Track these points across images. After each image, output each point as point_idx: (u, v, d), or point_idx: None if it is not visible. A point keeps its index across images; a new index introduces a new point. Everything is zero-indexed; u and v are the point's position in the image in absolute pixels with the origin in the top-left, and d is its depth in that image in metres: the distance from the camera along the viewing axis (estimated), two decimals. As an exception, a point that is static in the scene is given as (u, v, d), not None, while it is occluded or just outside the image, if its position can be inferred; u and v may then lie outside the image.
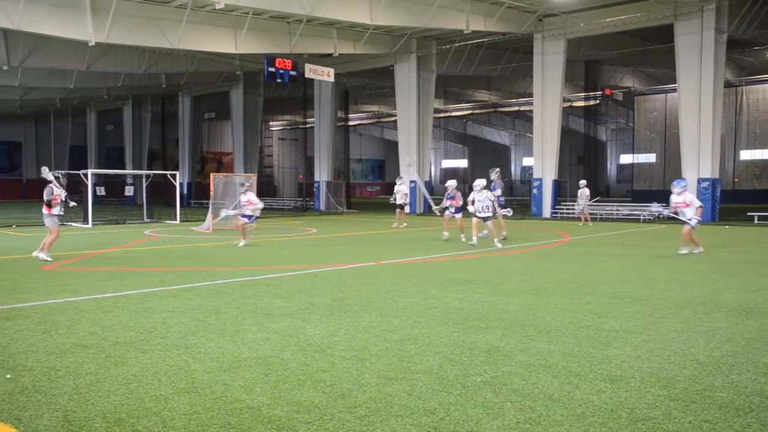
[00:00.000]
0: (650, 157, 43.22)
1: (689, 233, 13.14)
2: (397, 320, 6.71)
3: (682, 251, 13.23)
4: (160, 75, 36.86)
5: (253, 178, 24.17)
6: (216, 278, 9.83)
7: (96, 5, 21.72)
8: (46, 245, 11.96)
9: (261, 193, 37.15)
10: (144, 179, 27.91)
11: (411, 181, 32.43)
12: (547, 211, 28.92)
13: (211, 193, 21.26)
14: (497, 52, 34.01)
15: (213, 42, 25.27)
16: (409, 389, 4.45)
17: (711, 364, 5.10)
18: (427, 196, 22.01)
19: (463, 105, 53.41)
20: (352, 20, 24.55)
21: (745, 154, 41.91)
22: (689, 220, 13.05)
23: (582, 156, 44.11)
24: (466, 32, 26.36)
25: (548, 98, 28.69)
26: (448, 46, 31.75)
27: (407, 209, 24.68)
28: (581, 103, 40.51)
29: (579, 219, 24.48)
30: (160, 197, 30.39)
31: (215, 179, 22.07)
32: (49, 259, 11.74)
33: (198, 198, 43.55)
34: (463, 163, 72.40)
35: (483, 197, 14.93)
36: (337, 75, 30.14)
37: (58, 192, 11.88)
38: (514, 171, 69.14)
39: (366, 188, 72.80)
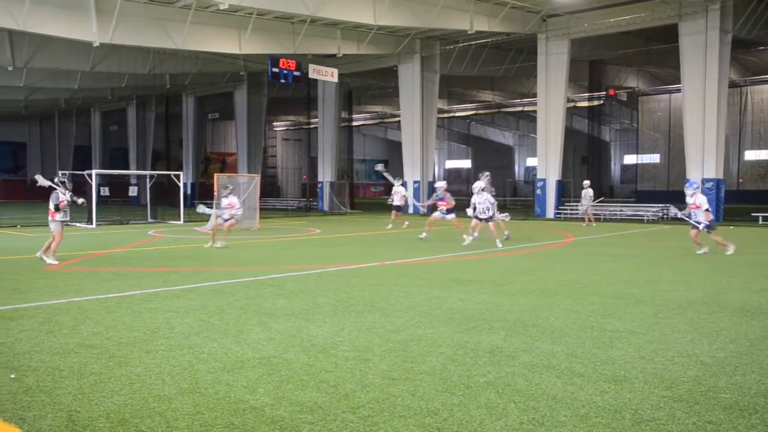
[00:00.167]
0: (654, 158, 43.13)
1: (696, 236, 13.37)
2: (400, 321, 6.71)
3: (699, 251, 13.43)
4: (164, 75, 36.94)
5: (257, 178, 24.24)
6: (219, 278, 9.84)
7: (100, 6, 21.77)
8: (51, 249, 11.86)
9: (265, 194, 37.52)
10: (148, 180, 27.99)
11: (415, 182, 32.48)
12: (550, 211, 28.89)
13: (215, 194, 21.29)
14: (501, 52, 33.99)
15: (217, 42, 25.32)
16: (413, 390, 4.45)
17: (715, 365, 5.09)
18: (410, 197, 22.17)
19: (467, 105, 53.40)
20: (355, 21, 24.56)
21: (750, 155, 41.79)
22: (697, 223, 13.31)
23: (586, 156, 44.06)
24: (469, 32, 26.34)
25: (552, 98, 28.65)
26: (451, 47, 31.74)
27: (410, 210, 24.71)
28: (585, 104, 40.46)
29: (582, 219, 24.45)
30: (164, 197, 30.48)
31: (219, 180, 22.10)
32: (55, 261, 11.63)
33: (202, 198, 43.46)
34: (466, 164, 72.35)
35: (483, 199, 15.03)
36: (340, 75, 30.14)
37: (63, 197, 11.83)
38: (518, 171, 69.11)
39: (369, 189, 72.82)
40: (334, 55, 28.91)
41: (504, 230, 16.54)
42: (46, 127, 58.39)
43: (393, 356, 5.31)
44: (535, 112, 32.73)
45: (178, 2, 23.17)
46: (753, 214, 24.73)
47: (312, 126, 41.05)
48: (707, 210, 13.38)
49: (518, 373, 4.83)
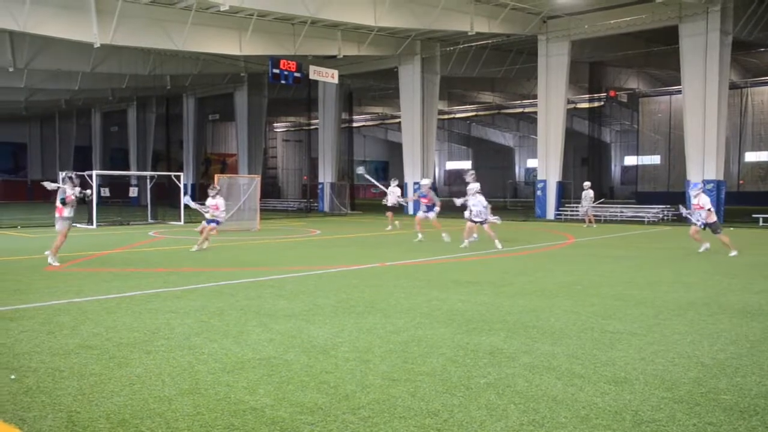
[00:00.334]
0: (655, 159, 43.17)
1: (696, 233, 13.62)
2: (400, 322, 6.71)
3: (700, 249, 13.69)
4: (165, 76, 37.02)
5: (257, 179, 24.26)
6: (220, 279, 9.85)
7: (101, 7, 21.81)
8: (53, 248, 11.72)
9: (265, 195, 37.53)
10: (148, 180, 28.03)
11: (415, 183, 32.47)
12: (551, 212, 28.93)
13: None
14: (501, 53, 34.03)
15: (218, 44, 25.36)
16: (413, 391, 4.45)
17: (715, 366, 5.09)
18: (377, 184, 22.38)
19: (467, 106, 53.47)
20: (356, 22, 24.59)
21: (750, 156, 41.84)
22: (696, 221, 13.53)
23: (586, 158, 44.12)
24: (470, 34, 26.38)
25: (552, 100, 28.69)
26: (452, 48, 31.78)
27: (410, 210, 24.71)
28: (585, 105, 40.54)
29: (583, 221, 24.47)
30: (165, 198, 30.49)
31: (219, 180, 22.11)
32: (56, 263, 11.49)
33: (202, 199, 43.59)
34: (467, 165, 72.38)
35: (476, 201, 15.03)
36: (341, 76, 30.19)
37: (70, 192, 11.64)
38: (518, 172, 69.18)
39: (370, 190, 72.78)
40: (334, 57, 28.95)
41: (474, 233, 16.67)
42: (46, 128, 58.51)
43: (393, 357, 5.32)
44: (535, 113, 32.78)
45: (178, 3, 23.21)
46: (753, 216, 24.76)
47: (312, 127, 41.09)
48: (709, 210, 13.49)
49: (518, 375, 4.83)
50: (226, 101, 43.93)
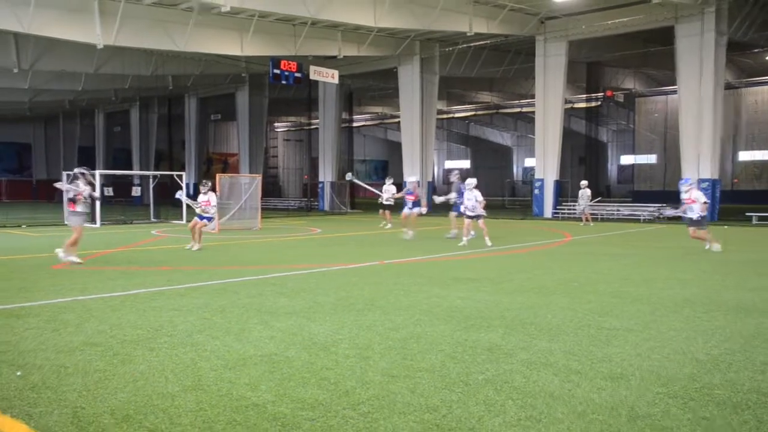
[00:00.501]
0: (651, 158, 43.28)
1: (695, 234, 13.62)
2: (400, 319, 6.75)
3: (713, 248, 13.56)
4: (167, 77, 37.06)
5: (259, 178, 24.31)
6: (222, 277, 9.90)
7: (104, 9, 21.89)
8: (68, 245, 11.40)
9: (266, 194, 37.56)
10: (151, 180, 28.08)
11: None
12: (548, 211, 28.99)
13: (218, 194, 21.35)
14: (500, 54, 34.06)
15: (219, 44, 25.42)
16: (412, 387, 4.49)
17: (710, 362, 5.14)
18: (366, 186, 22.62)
19: (466, 106, 53.48)
20: (356, 23, 24.62)
21: (745, 155, 42.01)
22: (691, 214, 13.54)
23: (583, 157, 44.21)
24: (468, 34, 26.42)
25: (550, 100, 28.74)
26: (451, 48, 31.81)
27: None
28: (583, 105, 40.58)
29: (580, 219, 24.55)
30: (167, 197, 30.50)
31: (221, 180, 22.20)
32: (71, 259, 11.29)
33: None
34: (465, 164, 72.41)
35: (472, 196, 15.15)
36: (341, 77, 30.23)
37: (82, 189, 11.41)
38: (516, 171, 69.19)
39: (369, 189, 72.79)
40: (334, 57, 29.00)
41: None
42: (50, 129, 58.64)
43: (393, 354, 5.35)
44: (533, 113, 32.80)
45: (180, 5, 23.26)
46: (747, 214, 24.88)
47: (313, 127, 41.13)
48: (705, 202, 13.56)
49: (516, 371, 4.87)
50: (228, 101, 43.94)
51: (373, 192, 22.07)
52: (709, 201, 13.85)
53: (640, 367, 4.96)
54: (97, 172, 23.68)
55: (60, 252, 11.45)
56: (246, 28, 25.12)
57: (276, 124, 60.06)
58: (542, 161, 29.30)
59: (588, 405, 4.13)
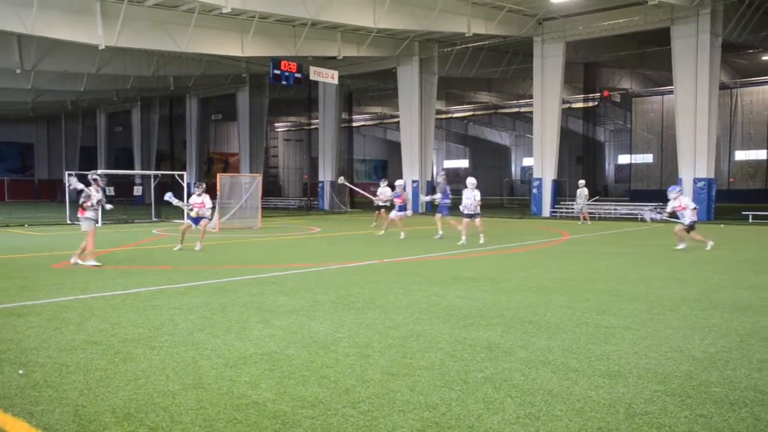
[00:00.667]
0: (647, 158, 43.42)
1: (680, 231, 13.95)
2: (399, 317, 6.77)
3: (678, 246, 13.92)
4: (168, 77, 37.12)
5: (259, 178, 24.34)
6: (222, 276, 9.93)
7: (106, 10, 21.95)
8: (88, 250, 11.22)
9: (266, 193, 37.58)
10: (152, 179, 28.11)
11: (414, 181, 32.54)
12: (546, 210, 29.06)
13: (218, 193, 21.41)
14: (498, 54, 34.11)
15: (220, 45, 25.46)
16: (412, 385, 4.51)
17: (706, 360, 5.17)
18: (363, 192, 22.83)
19: (465, 106, 53.55)
20: (355, 23, 24.65)
21: (740, 155, 42.16)
22: (683, 220, 13.87)
23: (581, 156, 44.28)
24: (467, 35, 26.47)
25: (548, 100, 28.82)
26: (449, 49, 31.86)
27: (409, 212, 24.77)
28: (580, 105, 40.61)
29: (578, 218, 24.60)
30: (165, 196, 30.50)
31: (222, 179, 22.23)
32: (97, 263, 11.06)
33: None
34: (464, 164, 72.48)
35: (471, 195, 15.32)
36: (341, 77, 30.27)
37: (94, 194, 11.24)
38: (515, 171, 69.25)
39: (369, 188, 72.74)
40: (334, 58, 29.05)
41: (440, 230, 16.98)
42: (52, 129, 58.83)
43: (392, 352, 5.37)
44: (531, 113, 32.90)
45: (181, 6, 23.32)
46: (743, 213, 24.99)
47: (313, 127, 41.16)
48: (694, 208, 13.98)
49: (515, 369, 4.89)
50: (229, 101, 44.00)
51: (364, 194, 22.32)
52: (697, 207, 14.15)
53: (638, 365, 4.99)
54: (99, 172, 23.72)
55: (81, 260, 11.28)
56: (246, 29, 25.16)
57: (276, 124, 60.08)
58: (540, 161, 29.36)
59: (586, 402, 4.16)
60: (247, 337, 5.91)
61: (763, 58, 35.50)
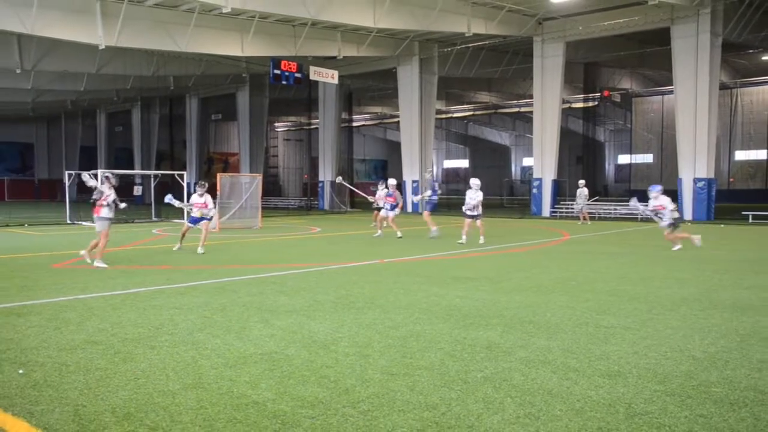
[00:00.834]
0: (647, 158, 43.45)
1: (669, 236, 14.06)
2: (399, 317, 6.78)
3: (675, 248, 13.91)
4: (168, 77, 37.15)
5: (259, 178, 24.35)
6: (222, 276, 9.93)
7: (106, 10, 21.97)
8: (98, 250, 11.11)
9: (266, 193, 37.59)
10: (152, 179, 28.12)
11: (414, 181, 32.54)
12: (546, 210, 29.08)
13: (218, 193, 21.41)
14: (498, 54, 34.13)
15: (220, 45, 25.49)
16: (412, 385, 4.51)
17: (706, 359, 5.17)
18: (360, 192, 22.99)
19: (465, 106, 53.55)
20: (355, 23, 24.66)
21: (740, 155, 42.20)
22: (663, 220, 14.05)
23: (581, 156, 44.31)
24: (467, 35, 26.48)
25: (548, 100, 28.84)
26: (449, 49, 31.87)
27: (409, 208, 24.83)
28: (580, 105, 40.64)
29: (578, 218, 24.62)
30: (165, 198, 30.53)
31: (222, 179, 22.23)
32: (104, 264, 10.98)
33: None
34: (464, 164, 72.50)
35: (474, 196, 15.43)
36: (341, 77, 30.29)
37: (107, 193, 11.15)
38: (515, 171, 69.29)
39: (369, 188, 72.71)
40: (334, 57, 29.07)
41: (433, 225, 17.18)
42: (52, 129, 58.92)
43: (392, 352, 5.38)
44: (531, 113, 32.92)
45: (182, 6, 23.33)
46: (743, 213, 25.02)
47: (313, 127, 41.18)
48: (673, 210, 14.04)
49: (515, 369, 4.89)
50: (229, 101, 44.02)
51: (361, 194, 22.43)
52: (677, 206, 14.31)
53: (638, 365, 4.99)
54: (99, 172, 23.73)
55: (89, 259, 11.22)
56: (246, 29, 25.17)
57: (276, 124, 60.10)
58: (540, 161, 29.38)
59: (586, 402, 4.16)
60: (247, 336, 5.92)
61: (763, 58, 35.53)
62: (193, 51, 25.63)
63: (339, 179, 23.71)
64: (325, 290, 8.52)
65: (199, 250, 13.44)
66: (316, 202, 38.48)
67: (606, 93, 37.22)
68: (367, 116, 58.93)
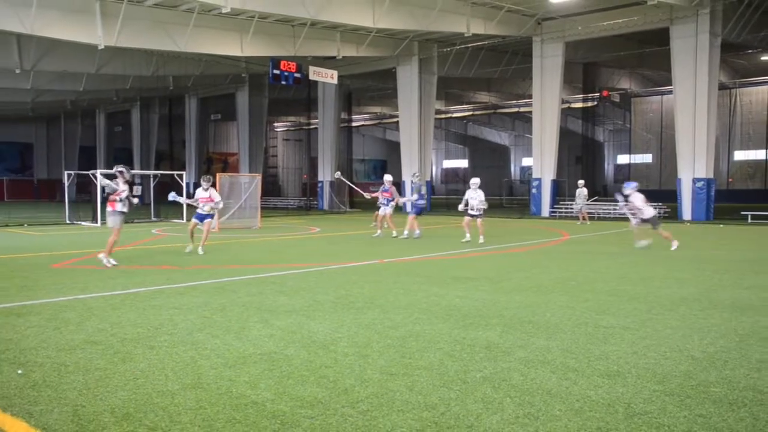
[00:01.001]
0: (646, 158, 43.49)
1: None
2: (399, 317, 6.78)
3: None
4: (168, 77, 37.15)
5: (258, 178, 24.35)
6: (222, 276, 9.93)
7: (105, 10, 21.97)
8: (107, 246, 11.06)
9: (266, 193, 37.60)
10: (151, 179, 28.11)
11: (413, 182, 32.54)
12: (545, 210, 29.10)
13: (217, 192, 21.40)
14: (497, 54, 34.14)
15: (219, 45, 25.49)
16: (411, 385, 4.51)
17: (705, 359, 5.17)
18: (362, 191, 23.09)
19: (464, 106, 53.57)
20: (355, 23, 24.66)
21: (739, 155, 42.25)
22: (635, 218, 14.33)
23: (580, 156, 44.31)
24: (466, 35, 26.48)
25: (547, 100, 28.85)
26: (449, 49, 31.87)
27: (408, 208, 24.80)
28: (579, 105, 40.67)
29: (577, 218, 24.63)
30: (167, 197, 30.55)
31: (221, 179, 22.22)
32: (113, 262, 10.97)
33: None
34: (463, 164, 72.51)
35: (476, 195, 15.46)
36: (340, 77, 30.30)
37: (122, 188, 11.04)
38: (514, 171, 69.32)
39: (368, 188, 72.70)
40: (333, 58, 29.06)
41: (416, 229, 17.18)
42: (52, 129, 58.95)
43: (392, 352, 5.38)
44: (530, 113, 32.95)
45: (181, 6, 23.33)
46: (742, 213, 25.04)
47: (312, 127, 41.19)
48: (639, 208, 14.12)
49: (514, 369, 4.90)
50: (228, 101, 44.02)
51: (359, 192, 22.46)
52: (642, 206, 14.31)
53: (637, 365, 4.99)
54: (98, 172, 23.72)
55: (102, 257, 11.13)
56: (246, 29, 25.17)
57: (276, 124, 60.12)
58: (539, 161, 29.39)
59: (585, 402, 4.16)
60: (247, 337, 5.92)
61: (763, 58, 35.57)
62: (192, 51, 25.62)
63: (338, 174, 23.70)
64: (325, 290, 8.52)
65: (200, 250, 13.33)
66: (315, 202, 38.47)
67: (605, 93, 37.28)
68: (366, 116, 58.96)
